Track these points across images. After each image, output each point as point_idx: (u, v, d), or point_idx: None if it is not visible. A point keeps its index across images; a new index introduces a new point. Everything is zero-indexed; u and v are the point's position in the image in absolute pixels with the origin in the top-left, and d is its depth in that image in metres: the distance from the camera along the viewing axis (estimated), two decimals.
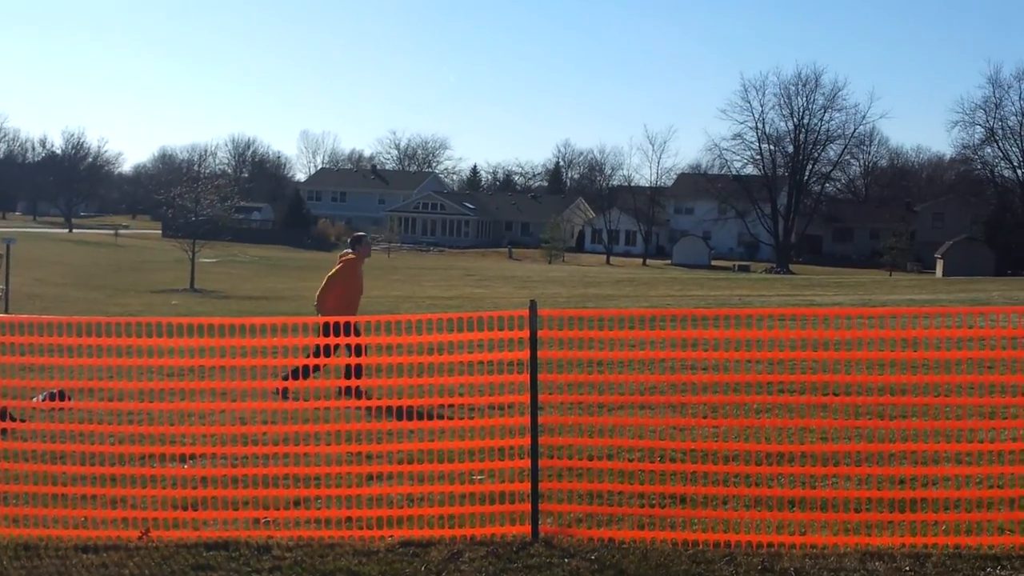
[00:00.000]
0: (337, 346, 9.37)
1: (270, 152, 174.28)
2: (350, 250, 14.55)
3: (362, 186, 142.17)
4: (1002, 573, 6.65)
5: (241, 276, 66.28)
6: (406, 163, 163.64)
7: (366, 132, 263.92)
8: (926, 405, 8.65)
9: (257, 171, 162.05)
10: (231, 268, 74.07)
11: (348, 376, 10.06)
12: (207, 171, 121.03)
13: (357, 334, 9.34)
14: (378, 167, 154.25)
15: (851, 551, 7.06)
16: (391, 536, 7.51)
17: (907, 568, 6.74)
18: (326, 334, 9.08)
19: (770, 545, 7.18)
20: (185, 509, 7.87)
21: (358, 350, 9.37)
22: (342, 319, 8.51)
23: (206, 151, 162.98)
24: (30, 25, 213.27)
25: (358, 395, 9.28)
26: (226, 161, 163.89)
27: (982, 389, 8.42)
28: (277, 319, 8.54)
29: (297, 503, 8.05)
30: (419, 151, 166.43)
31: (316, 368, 10.31)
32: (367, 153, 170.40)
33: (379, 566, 6.95)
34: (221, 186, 66.25)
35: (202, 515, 7.83)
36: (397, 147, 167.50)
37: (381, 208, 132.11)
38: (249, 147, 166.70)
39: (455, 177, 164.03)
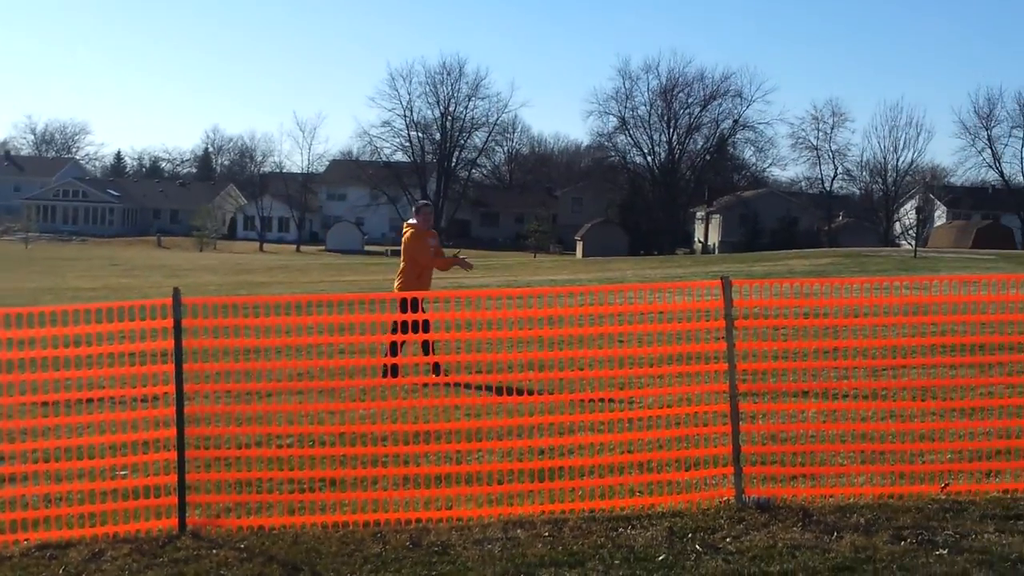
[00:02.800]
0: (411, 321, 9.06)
1: None
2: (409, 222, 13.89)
3: None
4: (632, 532, 7.11)
5: None
6: (44, 149, 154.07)
7: None
8: (562, 380, 9.10)
9: None
10: None
11: (427, 353, 10.40)
12: None
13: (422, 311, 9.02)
14: (12, 153, 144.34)
15: (495, 521, 7.35)
16: (27, 539, 7.14)
17: (546, 533, 7.09)
18: (400, 310, 9.01)
19: (418, 521, 7.38)
20: None
21: (426, 326, 9.06)
22: (408, 295, 8.97)
23: None
24: None
25: (441, 371, 9.67)
26: None
27: (615, 362, 8.98)
28: None
29: None
30: (57, 136, 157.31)
31: (402, 343, 10.29)
32: (0, 138, 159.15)
33: (14, 572, 6.60)
34: None
35: None
36: (33, 132, 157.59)
37: (17, 196, 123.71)
38: None
39: (98, 163, 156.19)
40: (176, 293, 7.54)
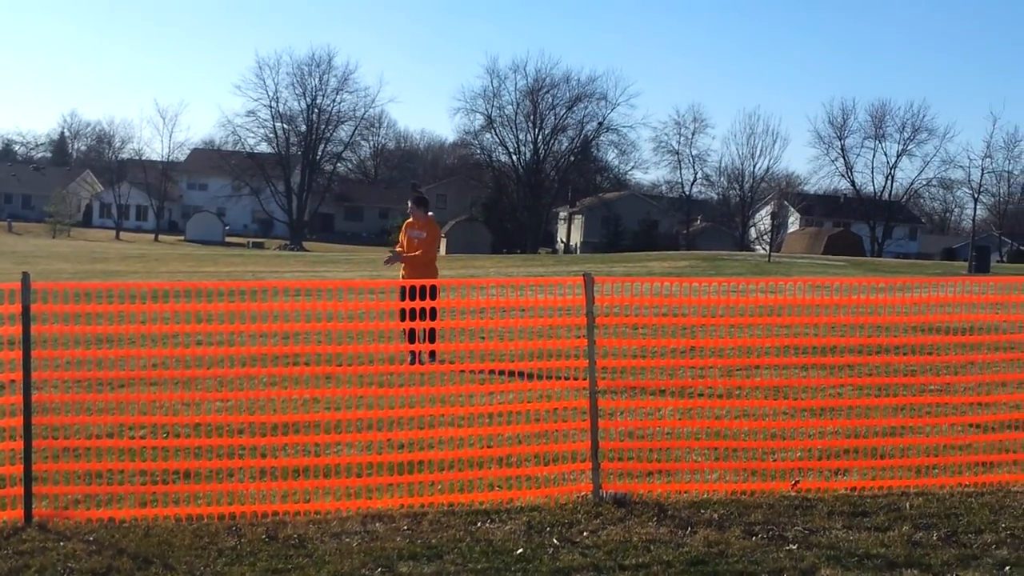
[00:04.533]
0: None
1: None
2: None
3: None
4: (491, 526, 7.13)
5: None
6: None
7: None
8: (423, 373, 9.09)
9: None
10: None
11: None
12: None
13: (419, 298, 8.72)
14: None
15: (353, 514, 7.30)
16: None
17: (405, 527, 7.07)
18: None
19: (275, 514, 7.27)
20: None
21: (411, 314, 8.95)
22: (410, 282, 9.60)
23: None
24: None
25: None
26: None
27: (476, 356, 9.00)
28: None
29: None
30: None
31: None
32: None
33: None
34: None
35: None
36: None
37: None
38: None
39: None
40: (25, 277, 7.29)
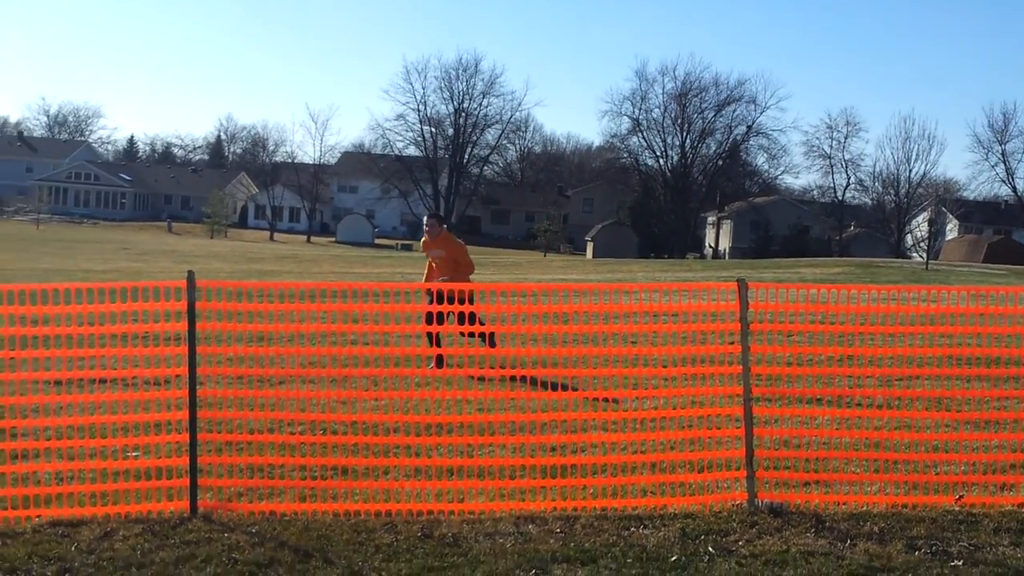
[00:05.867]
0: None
1: None
2: None
3: (7, 153, 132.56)
4: (644, 532, 7.07)
5: None
6: (56, 131, 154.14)
7: (12, 97, 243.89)
8: (575, 377, 9.09)
9: None
10: None
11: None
12: None
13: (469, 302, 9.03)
14: (25, 134, 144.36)
15: (506, 515, 7.32)
16: (39, 516, 7.12)
17: (558, 530, 7.06)
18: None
19: (430, 512, 7.35)
20: None
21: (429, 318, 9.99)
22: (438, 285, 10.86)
23: None
24: None
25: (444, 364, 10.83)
26: None
27: (627, 361, 8.95)
28: None
29: None
30: (71, 118, 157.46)
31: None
32: (13, 119, 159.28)
33: (26, 548, 6.57)
34: None
35: None
36: (47, 114, 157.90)
37: (29, 177, 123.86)
38: None
39: (110, 147, 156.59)
40: (191, 276, 7.51)
